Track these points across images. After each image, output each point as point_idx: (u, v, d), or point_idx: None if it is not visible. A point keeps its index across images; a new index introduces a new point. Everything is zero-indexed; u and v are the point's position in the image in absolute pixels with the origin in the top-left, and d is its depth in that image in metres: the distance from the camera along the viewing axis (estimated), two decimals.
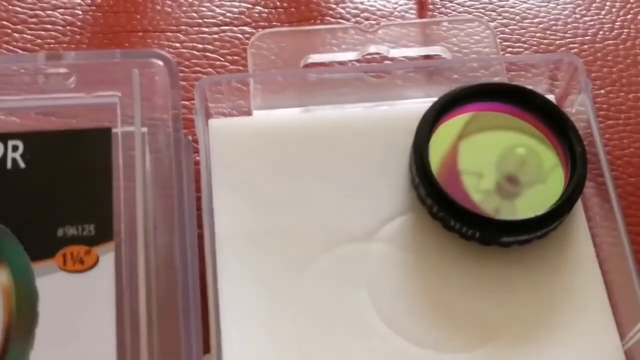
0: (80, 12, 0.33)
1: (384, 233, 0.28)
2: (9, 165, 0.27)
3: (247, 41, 0.33)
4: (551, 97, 0.31)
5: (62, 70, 0.29)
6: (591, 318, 0.27)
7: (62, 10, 0.33)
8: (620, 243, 0.27)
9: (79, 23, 0.33)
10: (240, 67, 0.32)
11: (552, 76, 0.31)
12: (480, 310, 0.27)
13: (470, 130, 0.29)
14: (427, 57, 0.32)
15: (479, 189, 0.28)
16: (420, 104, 0.30)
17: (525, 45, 0.33)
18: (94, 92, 0.29)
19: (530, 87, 0.30)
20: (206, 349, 0.26)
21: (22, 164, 0.27)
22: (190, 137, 0.29)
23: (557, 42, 0.33)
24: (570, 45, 0.33)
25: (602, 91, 0.32)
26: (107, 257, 0.26)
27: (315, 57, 0.32)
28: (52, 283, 0.25)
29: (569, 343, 0.27)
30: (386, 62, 0.32)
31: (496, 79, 0.31)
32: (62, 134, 0.28)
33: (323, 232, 0.28)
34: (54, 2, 0.33)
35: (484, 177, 0.29)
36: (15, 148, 0.27)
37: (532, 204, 0.28)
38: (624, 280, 0.27)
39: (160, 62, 0.29)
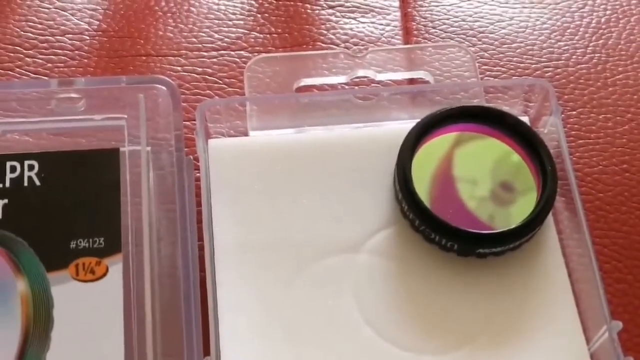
0: (88, 37, 0.36)
1: (370, 244, 0.30)
2: (25, 182, 0.29)
3: (244, 65, 0.35)
4: (525, 119, 0.33)
5: (73, 94, 0.31)
6: (560, 323, 0.29)
7: (70, 35, 0.36)
8: (587, 254, 0.30)
9: (86, 47, 0.35)
10: (237, 90, 0.34)
11: (526, 98, 0.33)
12: (457, 316, 0.29)
13: (453, 152, 0.31)
14: (411, 80, 0.35)
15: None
16: (404, 124, 0.32)
17: (503, 69, 0.36)
18: (102, 114, 0.31)
19: (506, 108, 0.32)
20: (206, 352, 0.28)
21: (37, 182, 0.29)
22: (191, 156, 0.32)
23: (533, 65, 0.36)
24: (545, 69, 0.36)
25: (574, 112, 0.35)
26: (115, 268, 0.28)
27: (307, 81, 0.34)
28: (66, 291, 0.28)
29: (539, 346, 0.29)
30: (373, 85, 0.34)
31: (475, 101, 0.33)
32: (74, 154, 0.30)
33: (313, 244, 0.30)
34: (63, 27, 0.36)
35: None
36: (31, 167, 0.29)
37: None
38: (590, 288, 0.29)
39: (163, 87, 0.31)
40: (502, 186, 0.31)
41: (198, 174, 0.31)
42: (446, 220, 0.30)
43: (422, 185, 0.30)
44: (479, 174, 0.31)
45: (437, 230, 0.30)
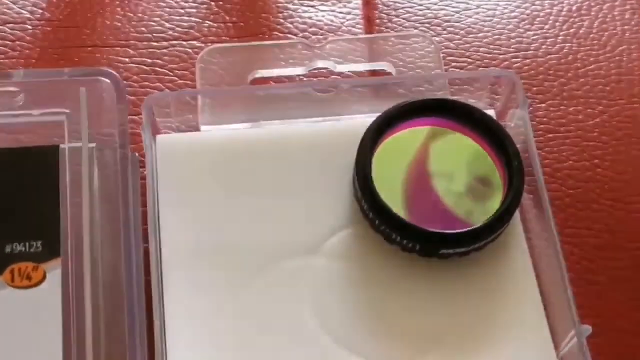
0: (30, 27, 0.34)
1: (329, 246, 0.30)
2: None
3: (196, 56, 0.34)
4: (491, 112, 0.32)
5: (11, 88, 0.30)
6: (527, 328, 0.29)
7: (11, 25, 0.34)
8: (555, 254, 0.29)
9: (28, 38, 0.34)
10: (189, 82, 0.34)
11: (493, 90, 0.33)
12: (421, 321, 0.29)
13: (416, 147, 0.31)
14: (373, 72, 0.34)
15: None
16: (366, 118, 0.31)
17: (470, 60, 0.35)
18: (41, 109, 0.30)
19: (471, 101, 0.32)
20: None
21: None
22: (137, 154, 0.31)
23: (501, 56, 0.35)
24: (514, 60, 0.35)
25: (544, 105, 0.34)
26: (54, 274, 0.27)
27: (263, 72, 0.33)
28: (0, 298, 0.27)
29: (505, 352, 0.28)
30: (333, 77, 0.34)
31: (439, 94, 0.33)
32: (10, 151, 0.29)
33: (268, 247, 0.30)
34: (4, 17, 0.35)
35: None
36: None
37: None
38: (558, 290, 0.29)
39: (107, 80, 0.30)
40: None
41: (145, 172, 0.30)
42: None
43: (388, 182, 0.30)
44: (451, 168, 0.30)
45: (398, 230, 0.29)
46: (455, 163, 0.30)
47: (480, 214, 0.29)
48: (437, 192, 0.30)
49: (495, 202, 0.30)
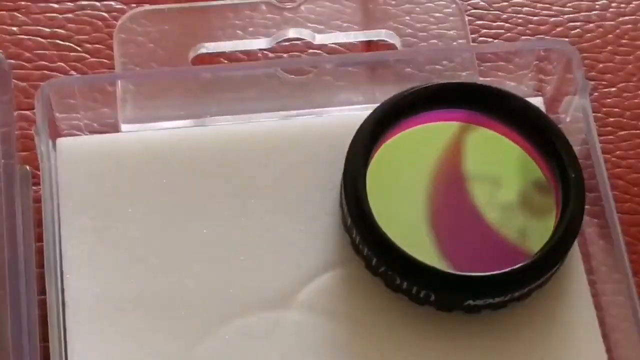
0: None
1: (304, 297, 0.30)
2: None
3: (115, 22, 0.34)
4: (538, 101, 0.33)
5: None
6: None
7: None
8: (630, 306, 0.29)
9: None
10: (104, 61, 0.34)
11: (540, 70, 0.33)
12: None
13: (430, 153, 0.31)
14: (368, 44, 0.34)
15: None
16: (358, 111, 0.32)
17: (507, 26, 0.35)
18: None
19: (509, 86, 0.32)
20: None
21: None
22: (28, 167, 0.31)
23: (552, 19, 0.36)
24: (570, 25, 0.36)
25: (614, 89, 0.35)
26: None
27: (210, 46, 0.34)
28: None
29: None
30: (311, 52, 0.34)
31: (464, 75, 0.33)
32: None
33: (218, 297, 0.30)
34: None
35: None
36: None
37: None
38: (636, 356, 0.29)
39: None
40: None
41: (40, 192, 0.30)
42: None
43: (389, 203, 0.30)
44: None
45: (405, 273, 0.29)
46: (490, 171, 0.31)
47: (538, 236, 0.30)
48: (473, 207, 0.30)
49: (546, 229, 0.30)
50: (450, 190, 0.31)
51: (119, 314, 0.30)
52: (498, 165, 0.31)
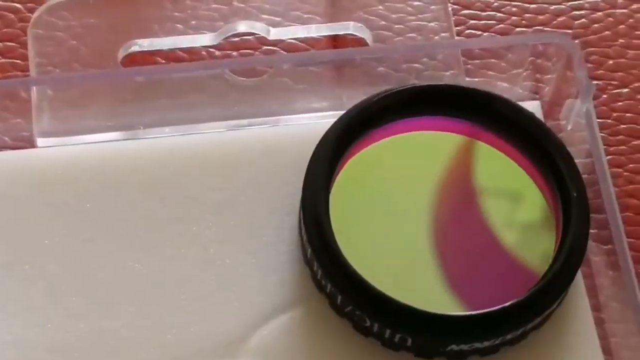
0: None
1: (257, 342, 0.30)
2: None
3: (30, 15, 0.34)
4: (534, 106, 0.33)
5: None
6: None
7: None
8: None
9: None
10: (17, 62, 0.34)
11: (536, 68, 0.33)
12: None
13: (406, 168, 0.32)
14: (334, 39, 0.34)
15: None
16: (320, 119, 0.32)
17: (499, 16, 0.35)
18: None
19: (500, 88, 0.33)
20: None
21: None
22: None
23: (552, 7, 0.36)
24: (575, 13, 0.36)
25: (625, 90, 0.35)
26: None
27: (144, 43, 0.34)
28: None
29: None
30: (265, 49, 0.34)
31: (447, 76, 0.33)
32: None
33: (153, 345, 0.30)
34: None
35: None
36: None
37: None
38: None
39: None
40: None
41: None
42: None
43: (358, 227, 0.31)
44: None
45: (377, 313, 0.29)
46: (481, 185, 0.32)
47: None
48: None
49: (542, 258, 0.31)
50: (429, 211, 0.31)
51: None
52: (487, 179, 0.32)
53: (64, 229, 0.31)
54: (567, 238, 0.30)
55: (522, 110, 0.32)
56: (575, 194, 0.30)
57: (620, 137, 0.34)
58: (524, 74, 0.34)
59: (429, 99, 0.32)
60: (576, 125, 0.32)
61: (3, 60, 0.34)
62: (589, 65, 0.34)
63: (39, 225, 0.31)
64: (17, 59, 0.34)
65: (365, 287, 0.29)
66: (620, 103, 0.35)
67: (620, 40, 0.36)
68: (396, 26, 0.34)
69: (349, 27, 0.34)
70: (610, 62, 0.35)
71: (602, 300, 0.31)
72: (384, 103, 0.31)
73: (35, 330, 0.30)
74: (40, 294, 0.30)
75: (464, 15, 0.36)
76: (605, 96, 0.34)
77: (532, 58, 0.33)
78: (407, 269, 0.31)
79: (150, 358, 0.30)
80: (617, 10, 0.36)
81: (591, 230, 0.31)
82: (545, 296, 0.30)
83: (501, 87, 0.33)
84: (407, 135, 0.32)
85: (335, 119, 0.31)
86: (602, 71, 0.35)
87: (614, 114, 0.34)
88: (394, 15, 0.35)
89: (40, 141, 0.32)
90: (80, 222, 0.31)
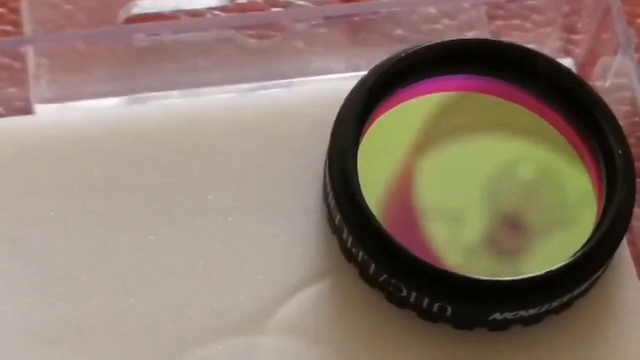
0: None
1: (282, 317, 0.30)
2: None
3: None
4: (568, 62, 0.33)
5: None
6: None
7: None
8: None
9: None
10: (9, 28, 0.34)
11: (568, 26, 0.33)
12: None
13: (435, 130, 0.31)
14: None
15: (456, 243, 0.30)
16: (338, 81, 0.32)
17: None
18: None
19: (531, 45, 0.32)
20: None
21: None
22: None
23: None
24: None
25: None
26: None
27: (146, 4, 0.33)
28: None
29: None
30: (275, 10, 0.34)
31: (470, 35, 0.33)
32: None
33: (172, 322, 0.30)
34: None
35: (465, 220, 0.31)
36: None
37: (548, 263, 0.30)
38: None
39: None
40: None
41: None
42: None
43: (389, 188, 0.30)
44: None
45: (414, 281, 0.29)
46: (510, 152, 0.31)
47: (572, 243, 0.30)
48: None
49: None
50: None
51: (43, 348, 0.29)
52: (515, 148, 0.31)
53: (70, 200, 0.31)
54: (613, 199, 0.30)
55: (560, 67, 0.31)
56: (620, 151, 0.30)
57: None
58: (556, 31, 0.34)
59: (455, 55, 0.32)
60: (614, 85, 0.32)
61: None
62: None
63: (42, 196, 0.31)
64: (9, 25, 0.34)
65: (401, 253, 0.29)
66: None
67: None
68: None
69: None
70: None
71: None
72: (412, 59, 0.31)
73: (42, 311, 0.30)
74: (47, 271, 0.30)
75: None
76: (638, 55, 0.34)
77: (562, 18, 0.33)
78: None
79: (169, 336, 0.30)
80: None
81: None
82: (592, 259, 0.30)
83: (531, 46, 0.32)
84: (436, 95, 0.32)
85: (352, 81, 0.31)
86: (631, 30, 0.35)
87: None
88: None
89: (38, 108, 0.32)
90: (88, 192, 0.31)
